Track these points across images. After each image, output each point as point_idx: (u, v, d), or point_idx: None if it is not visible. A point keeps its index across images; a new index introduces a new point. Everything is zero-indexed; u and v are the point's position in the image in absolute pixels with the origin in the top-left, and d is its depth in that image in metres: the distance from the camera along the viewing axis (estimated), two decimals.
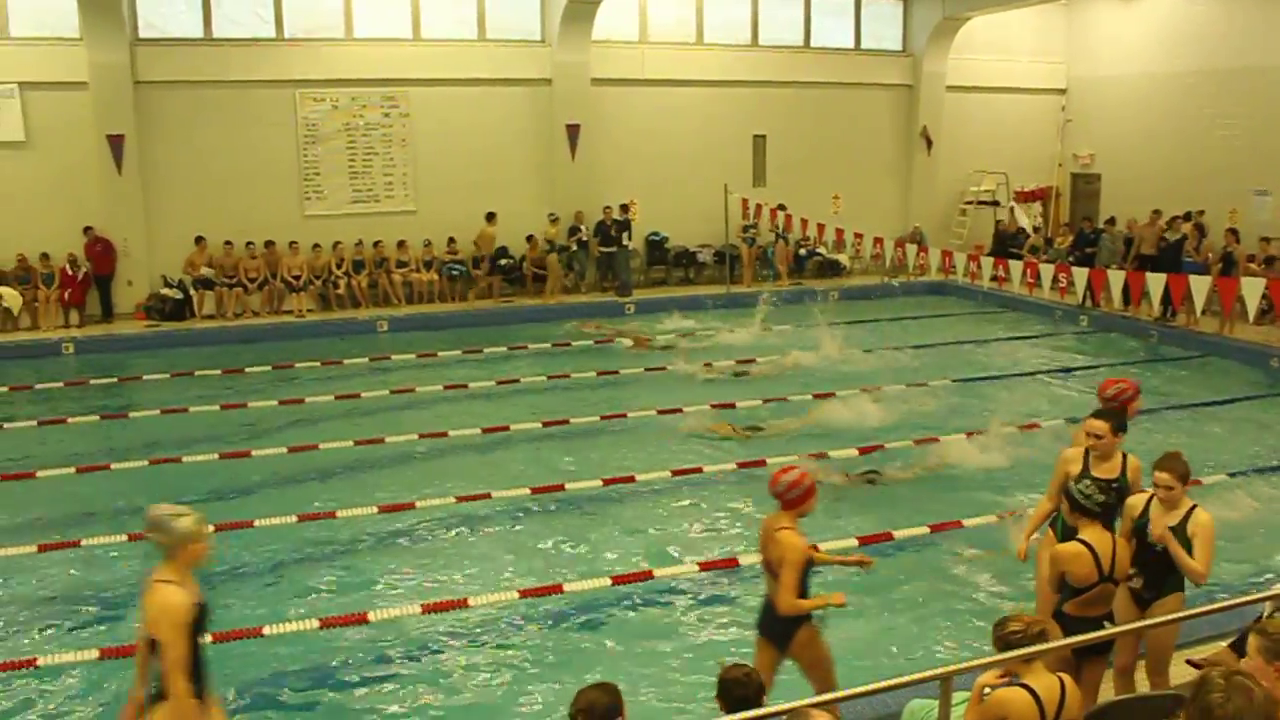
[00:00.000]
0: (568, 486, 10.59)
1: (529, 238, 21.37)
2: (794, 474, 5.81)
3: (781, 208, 21.83)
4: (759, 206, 21.97)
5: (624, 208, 21.66)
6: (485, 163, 21.26)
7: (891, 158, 24.99)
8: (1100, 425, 6.49)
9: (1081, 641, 5.28)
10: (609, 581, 8.44)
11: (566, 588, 8.30)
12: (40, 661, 7.28)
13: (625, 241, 21.50)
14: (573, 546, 9.38)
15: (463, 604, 8.10)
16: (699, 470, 11.12)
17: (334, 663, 7.39)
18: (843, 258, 23.63)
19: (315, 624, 7.77)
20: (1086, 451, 6.56)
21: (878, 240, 21.22)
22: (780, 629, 5.77)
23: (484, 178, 21.20)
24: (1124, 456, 6.53)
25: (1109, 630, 5.60)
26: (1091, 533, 5.58)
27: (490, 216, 21.15)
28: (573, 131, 21.59)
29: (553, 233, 21.28)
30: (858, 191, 24.10)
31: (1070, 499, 5.67)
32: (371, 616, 7.87)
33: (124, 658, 7.28)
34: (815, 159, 23.79)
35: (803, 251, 23.60)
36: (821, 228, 21.72)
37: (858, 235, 21.18)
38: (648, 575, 8.56)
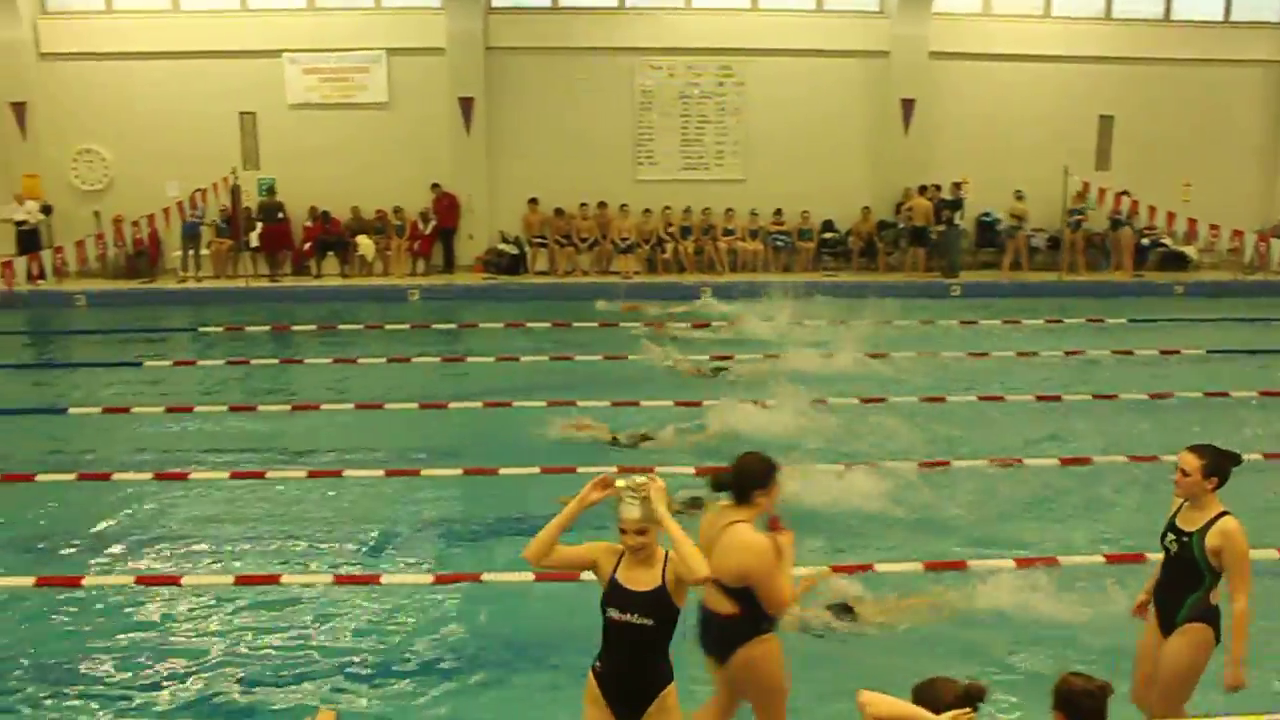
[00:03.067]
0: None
1: (865, 209, 21.15)
2: None
3: (1125, 193, 20.41)
4: (1101, 192, 20.60)
5: (956, 186, 20.91)
6: (815, 135, 21.14)
7: (1258, 141, 22.77)
8: (1188, 460, 5.14)
9: None
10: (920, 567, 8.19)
11: (879, 568, 8.11)
12: (383, 580, 7.84)
13: (956, 221, 20.75)
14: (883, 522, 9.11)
15: None
16: None
17: None
18: (1191, 250, 21.77)
19: None
20: None
21: (1236, 233, 19.49)
22: None
23: (813, 150, 21.11)
24: (1218, 515, 5.13)
25: None
26: None
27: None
28: (907, 106, 21.09)
29: (1021, 209, 20.92)
30: (1214, 178, 22.02)
31: None
32: None
33: (459, 583, 7.74)
34: (1167, 142, 22.00)
35: (1145, 241, 21.89)
36: (1171, 216, 20.15)
37: (1213, 227, 19.48)
38: (962, 565, 8.24)
